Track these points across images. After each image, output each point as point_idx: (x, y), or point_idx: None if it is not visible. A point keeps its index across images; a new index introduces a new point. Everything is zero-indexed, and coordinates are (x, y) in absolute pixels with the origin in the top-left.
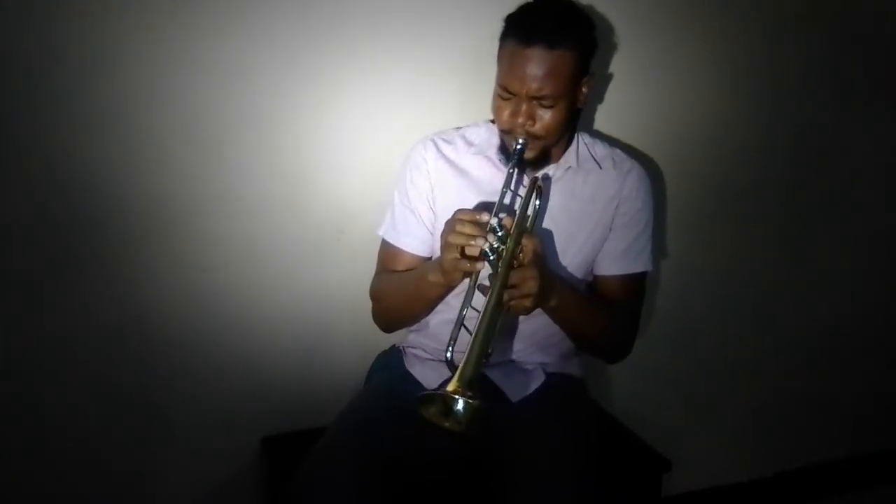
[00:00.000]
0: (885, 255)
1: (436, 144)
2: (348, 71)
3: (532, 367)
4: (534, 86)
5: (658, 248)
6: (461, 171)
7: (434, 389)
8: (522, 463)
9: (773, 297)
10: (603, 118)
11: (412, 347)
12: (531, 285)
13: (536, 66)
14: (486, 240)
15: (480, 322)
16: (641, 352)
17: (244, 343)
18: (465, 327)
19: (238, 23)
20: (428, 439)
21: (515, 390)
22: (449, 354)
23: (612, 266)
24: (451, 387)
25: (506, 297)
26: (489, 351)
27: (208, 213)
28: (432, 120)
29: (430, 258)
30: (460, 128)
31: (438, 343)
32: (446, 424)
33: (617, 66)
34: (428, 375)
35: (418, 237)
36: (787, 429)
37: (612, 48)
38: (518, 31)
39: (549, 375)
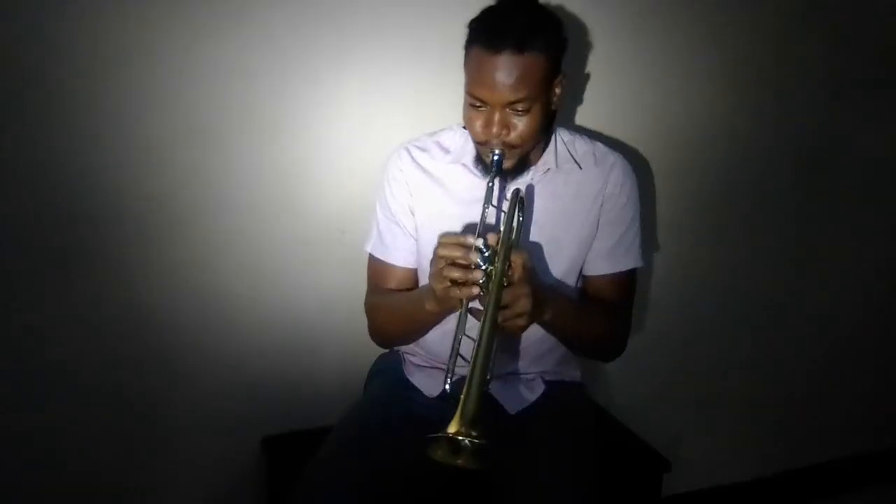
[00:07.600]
0: (885, 254)
1: (410, 153)
2: (348, 70)
3: (531, 377)
4: (506, 94)
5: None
6: (437, 181)
7: (437, 433)
8: (521, 474)
9: (774, 298)
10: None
11: (410, 354)
12: (524, 303)
13: (506, 72)
14: (476, 264)
15: (477, 350)
16: (641, 352)
17: (244, 343)
18: (462, 356)
19: (238, 23)
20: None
21: (513, 402)
22: (447, 386)
23: (600, 265)
24: (453, 428)
25: (500, 318)
26: (488, 378)
27: (209, 214)
28: (433, 119)
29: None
30: (434, 133)
31: (435, 354)
32: (458, 462)
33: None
34: (428, 384)
35: (406, 249)
36: (787, 429)
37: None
38: (484, 37)
39: (548, 384)
